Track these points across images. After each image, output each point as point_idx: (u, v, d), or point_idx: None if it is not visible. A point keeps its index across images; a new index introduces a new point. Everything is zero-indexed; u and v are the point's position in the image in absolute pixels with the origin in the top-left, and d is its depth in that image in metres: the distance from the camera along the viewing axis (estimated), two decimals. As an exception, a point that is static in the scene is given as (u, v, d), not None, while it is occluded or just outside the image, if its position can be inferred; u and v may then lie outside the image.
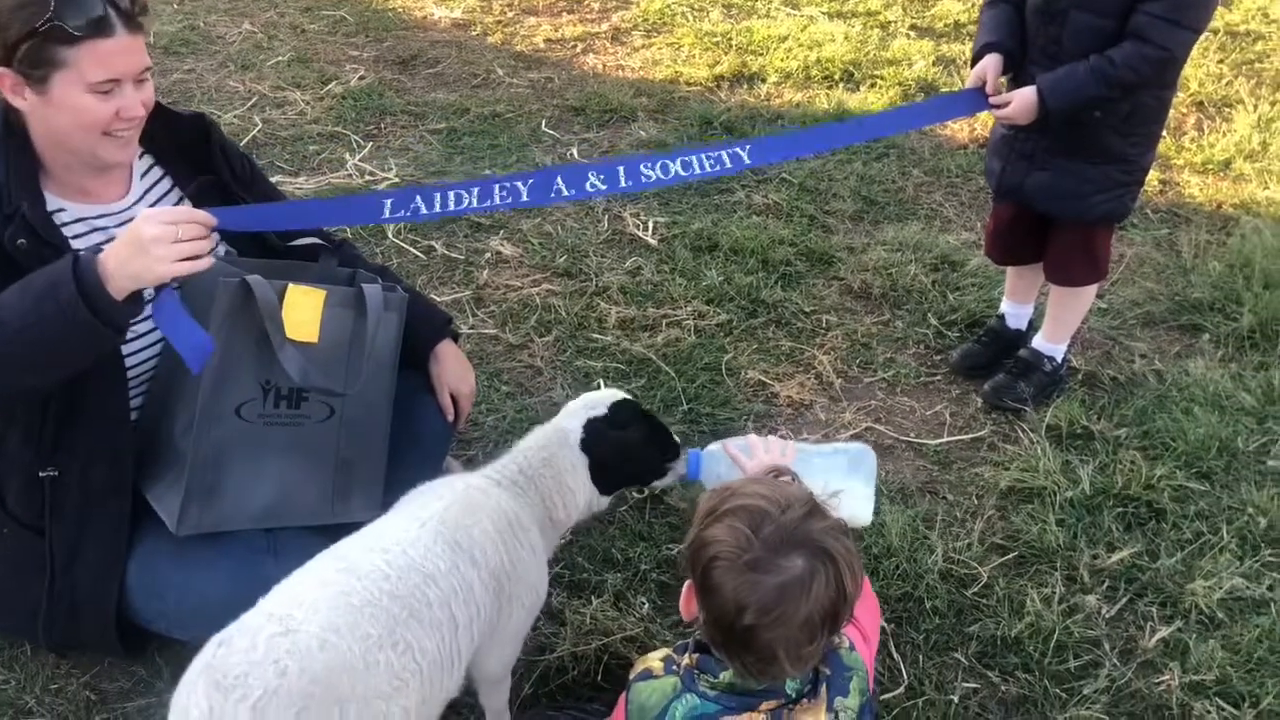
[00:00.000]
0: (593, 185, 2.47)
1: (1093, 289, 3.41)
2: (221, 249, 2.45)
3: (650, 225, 4.24)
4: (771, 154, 2.90)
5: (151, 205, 2.39)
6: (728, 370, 3.51)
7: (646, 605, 2.66)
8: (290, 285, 2.27)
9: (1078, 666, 2.55)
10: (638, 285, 3.91)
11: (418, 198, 2.36)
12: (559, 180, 2.46)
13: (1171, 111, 5.14)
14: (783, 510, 1.63)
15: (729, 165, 2.60)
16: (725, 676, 1.67)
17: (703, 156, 2.55)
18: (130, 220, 2.29)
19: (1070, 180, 3.07)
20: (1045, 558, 2.83)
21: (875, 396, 3.47)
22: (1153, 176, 4.71)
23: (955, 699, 2.46)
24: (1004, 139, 3.19)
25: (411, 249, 4.08)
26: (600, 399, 2.44)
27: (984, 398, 3.42)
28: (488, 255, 4.08)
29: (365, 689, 1.77)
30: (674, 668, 1.74)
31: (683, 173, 2.56)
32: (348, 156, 4.70)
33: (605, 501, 2.43)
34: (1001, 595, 2.71)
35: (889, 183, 4.66)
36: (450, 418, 2.69)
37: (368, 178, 4.55)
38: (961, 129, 5.10)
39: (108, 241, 2.27)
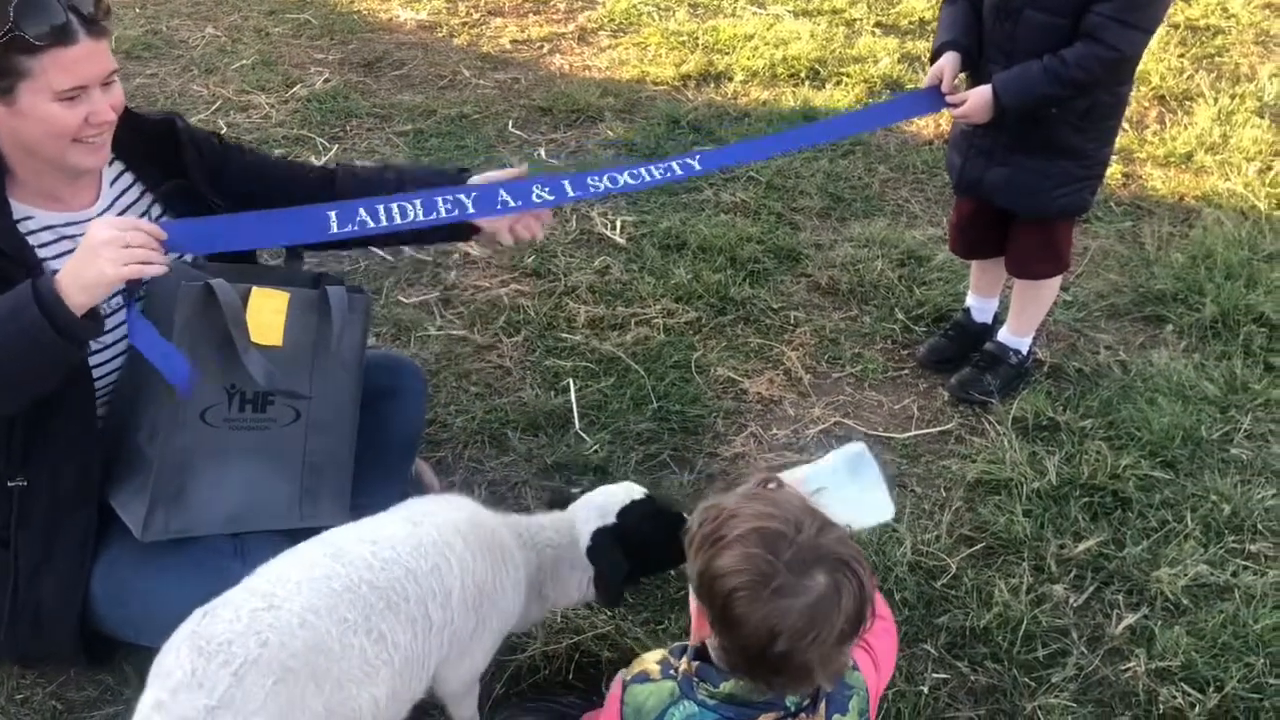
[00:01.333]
0: (538, 196, 2.48)
1: (1056, 281, 3.44)
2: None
3: (618, 224, 4.24)
4: (725, 159, 2.93)
5: (120, 213, 2.37)
6: (697, 368, 3.52)
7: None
8: (254, 288, 2.26)
9: (1046, 655, 2.57)
10: (606, 284, 3.91)
11: (362, 211, 2.36)
12: (503, 192, 2.46)
13: (1133, 105, 5.24)
14: (797, 529, 1.60)
15: (679, 173, 2.63)
16: (726, 687, 1.66)
17: (652, 168, 2.57)
18: None
19: (1028, 176, 3.09)
20: (1013, 548, 2.85)
21: (844, 391, 3.48)
22: (1115, 170, 4.75)
23: (925, 690, 2.47)
24: (963, 135, 3.21)
25: (378, 251, 4.06)
26: (612, 502, 2.38)
27: (950, 391, 3.44)
28: (455, 256, 4.07)
29: (339, 671, 1.82)
30: (671, 671, 1.73)
31: (631, 181, 2.58)
32: (313, 160, 4.67)
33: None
34: (970, 586, 2.73)
35: (855, 179, 4.68)
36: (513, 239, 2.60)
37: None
38: (926, 125, 5.13)
39: (75, 250, 2.27)
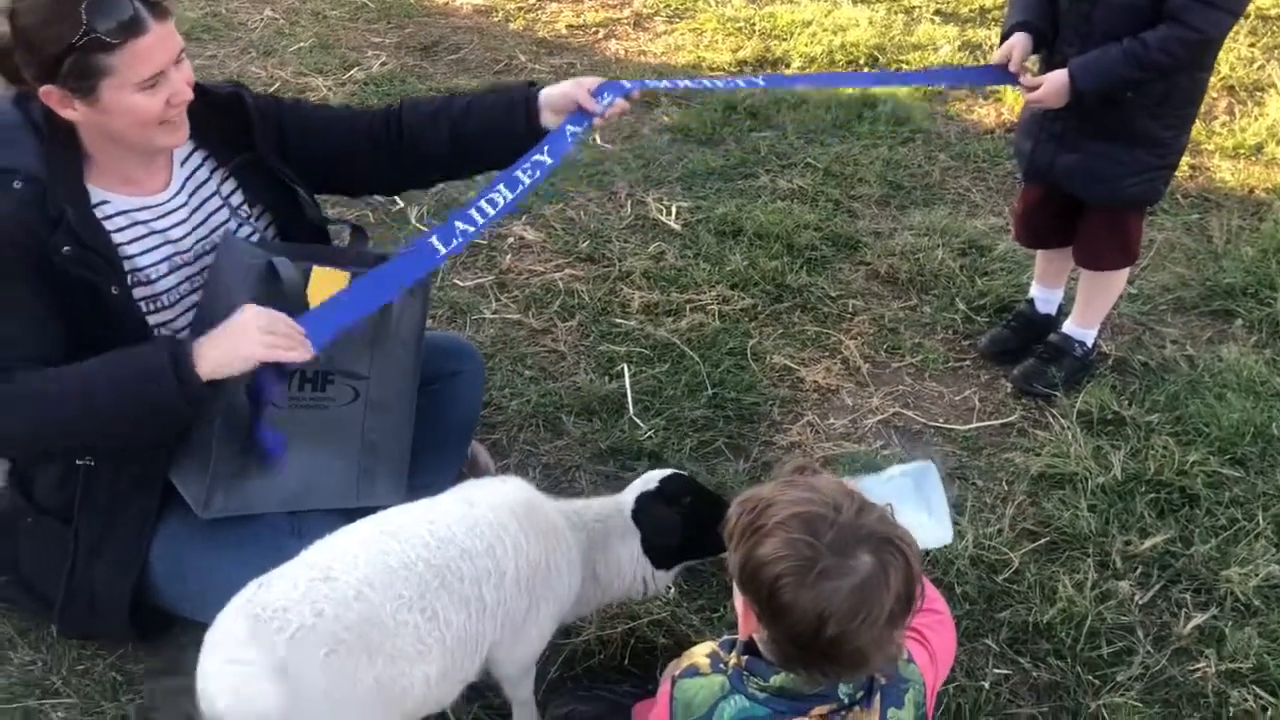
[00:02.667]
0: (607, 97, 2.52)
1: (1124, 273, 3.36)
2: (246, 230, 2.43)
3: (673, 210, 4.20)
4: (790, 83, 2.95)
5: (192, 194, 2.38)
6: (753, 355, 3.48)
7: (672, 590, 2.63)
8: (315, 267, 2.25)
9: (1111, 653, 2.51)
10: (661, 270, 3.88)
11: (458, 224, 2.41)
12: (569, 127, 2.52)
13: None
14: (836, 509, 1.57)
15: (741, 85, 3.04)
16: (776, 680, 1.63)
17: (716, 81, 2.60)
18: (171, 212, 2.33)
19: (1101, 162, 3.01)
20: (1077, 544, 2.79)
21: (903, 382, 3.43)
22: (1182, 162, 4.64)
23: (986, 685, 2.43)
24: (1034, 119, 3.14)
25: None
26: (655, 475, 2.42)
27: (1014, 384, 3.38)
28: (511, 240, 4.06)
29: (392, 646, 1.84)
30: (720, 666, 1.71)
31: (691, 85, 2.90)
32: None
33: (665, 578, 2.39)
34: (1033, 581, 2.68)
35: (915, 167, 4.61)
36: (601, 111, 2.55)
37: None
38: (988, 114, 5.04)
39: (149, 235, 2.29)
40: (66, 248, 2.13)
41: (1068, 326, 3.43)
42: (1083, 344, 3.40)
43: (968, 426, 3.24)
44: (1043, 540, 2.81)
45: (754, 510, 1.63)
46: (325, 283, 2.27)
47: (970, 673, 2.46)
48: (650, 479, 2.39)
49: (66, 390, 2.08)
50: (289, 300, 2.19)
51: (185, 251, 2.35)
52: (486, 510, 2.08)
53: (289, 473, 2.35)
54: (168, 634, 2.45)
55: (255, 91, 2.52)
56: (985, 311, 3.70)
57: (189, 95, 2.20)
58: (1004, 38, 3.02)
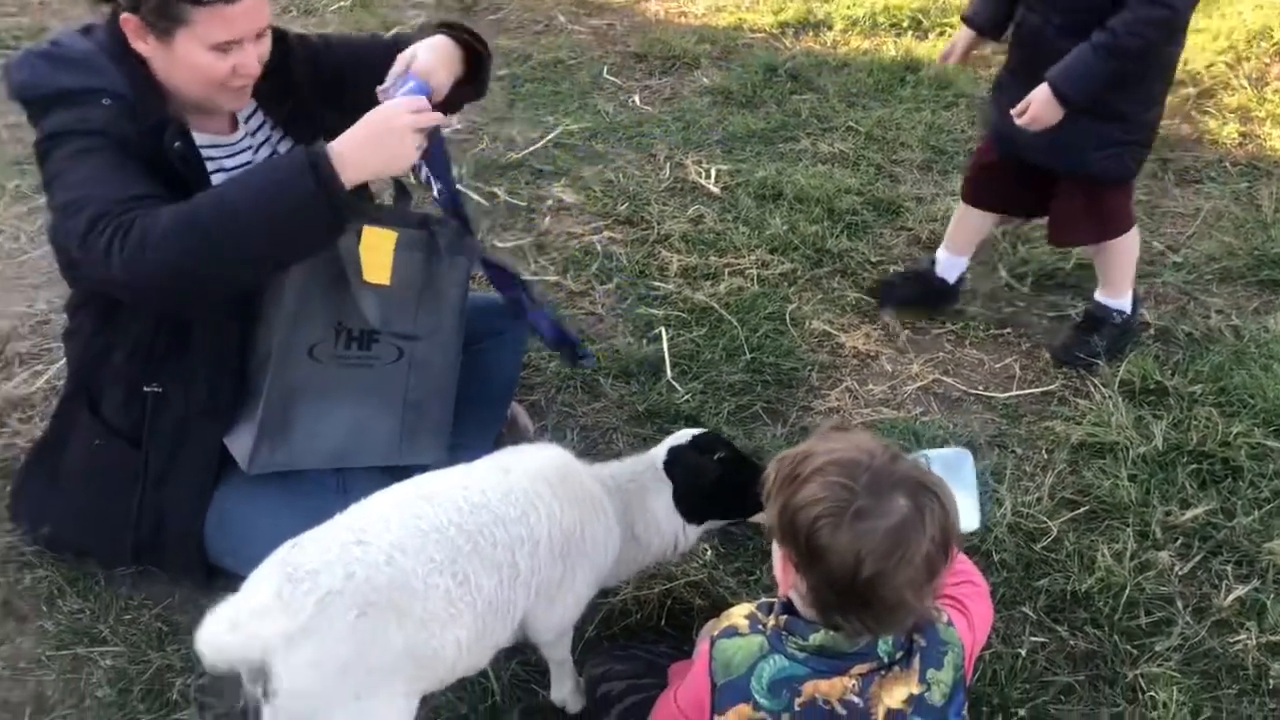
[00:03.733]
0: None
1: (1128, 238, 3.26)
2: None
3: (713, 173, 4.18)
4: None
5: (250, 137, 2.41)
6: (792, 320, 3.47)
7: (709, 551, 2.65)
8: (365, 226, 2.26)
9: (1149, 623, 2.50)
10: (700, 234, 3.87)
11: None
12: None
13: (1253, 62, 5.01)
14: (871, 456, 1.59)
15: None
16: (816, 639, 1.64)
17: None
18: (239, 153, 2.36)
19: (1065, 134, 2.92)
20: (1117, 513, 2.78)
21: (943, 348, 3.41)
22: (1231, 129, 4.57)
23: (1023, 653, 2.43)
24: (1003, 85, 3.12)
25: (474, 195, 4.06)
26: (689, 432, 2.42)
27: (1054, 355, 3.34)
28: (550, 202, 4.06)
29: (422, 610, 1.83)
30: (759, 627, 1.72)
31: None
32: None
33: (694, 534, 2.38)
34: (1071, 550, 2.67)
35: (958, 132, 4.56)
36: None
37: (430, 123, 4.53)
38: (1033, 78, 4.96)
39: (219, 172, 2.31)
40: (177, 143, 2.17)
41: (1099, 296, 3.38)
42: (1120, 311, 3.35)
43: (1008, 394, 3.22)
44: (1082, 509, 2.79)
45: (792, 463, 1.65)
46: (376, 242, 2.28)
47: (1007, 640, 2.46)
48: (683, 435, 2.40)
49: (201, 204, 2.01)
50: (344, 260, 2.20)
51: None
52: (521, 477, 2.08)
53: (334, 430, 2.38)
54: (212, 584, 2.48)
55: (295, 35, 2.52)
56: (1028, 279, 3.66)
57: (256, 71, 2.22)
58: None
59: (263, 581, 1.79)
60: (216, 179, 2.29)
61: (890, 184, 4.16)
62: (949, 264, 3.50)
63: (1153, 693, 2.33)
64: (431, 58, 2.30)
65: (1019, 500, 2.79)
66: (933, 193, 4.13)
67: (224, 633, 1.75)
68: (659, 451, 2.37)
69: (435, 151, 2.25)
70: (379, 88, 2.26)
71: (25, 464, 2.66)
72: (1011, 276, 3.68)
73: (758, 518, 2.37)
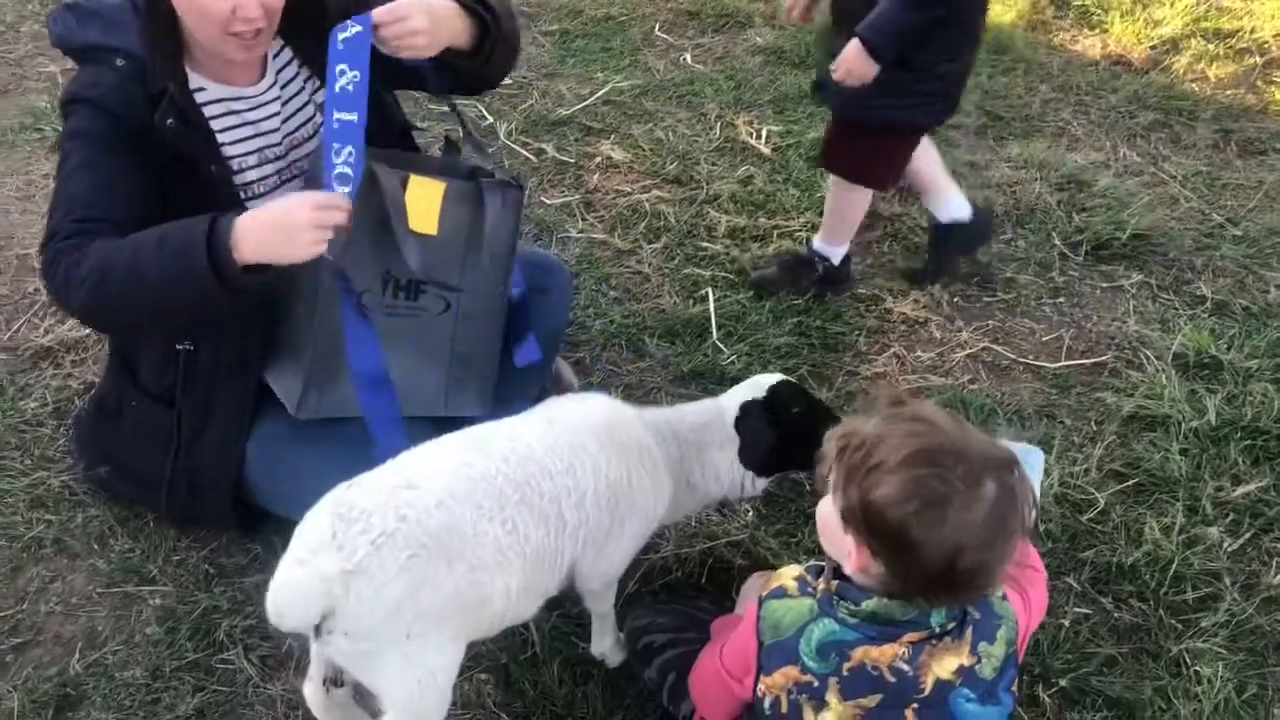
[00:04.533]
0: None
1: (863, 194, 3.26)
2: None
3: (764, 133, 4.14)
4: None
5: (283, 88, 2.40)
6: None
7: (751, 512, 2.65)
8: (412, 176, 2.26)
9: (1196, 599, 2.47)
10: (749, 194, 3.83)
11: None
12: None
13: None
14: (953, 440, 1.56)
15: None
16: (868, 605, 1.63)
17: None
18: (263, 105, 2.34)
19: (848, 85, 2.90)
20: (1166, 487, 2.74)
21: (994, 316, 3.37)
22: (1299, 99, 4.45)
23: (1066, 623, 2.41)
24: (826, 35, 3.10)
25: (523, 150, 4.05)
26: (764, 381, 2.37)
27: (753, 285, 3.40)
28: (598, 160, 4.04)
29: (472, 555, 1.86)
30: (809, 589, 1.71)
31: None
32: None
33: (761, 484, 2.37)
34: (1118, 522, 2.64)
35: (1015, 98, 4.48)
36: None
37: (480, 78, 4.51)
38: (1094, 44, 4.86)
39: (241, 125, 2.32)
40: (170, 120, 2.18)
41: (817, 241, 3.39)
42: (827, 260, 3.36)
43: (1058, 364, 3.18)
44: (1130, 482, 2.76)
45: (861, 448, 1.60)
46: (423, 192, 2.27)
47: (1050, 610, 2.43)
48: (758, 385, 2.35)
49: (122, 251, 2.07)
50: (390, 207, 2.20)
51: (276, 145, 2.39)
52: (565, 430, 2.08)
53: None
54: (259, 530, 2.53)
55: None
56: (1082, 248, 3.60)
57: (255, 16, 2.14)
58: None
59: (318, 521, 1.83)
60: (239, 133, 2.31)
61: (944, 148, 4.07)
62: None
63: (1198, 667, 2.31)
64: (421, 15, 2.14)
65: (1066, 471, 2.76)
66: (987, 159, 4.06)
67: (295, 569, 1.78)
68: (729, 403, 2.33)
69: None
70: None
71: (85, 409, 2.74)
72: (1065, 245, 3.62)
73: None
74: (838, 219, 3.32)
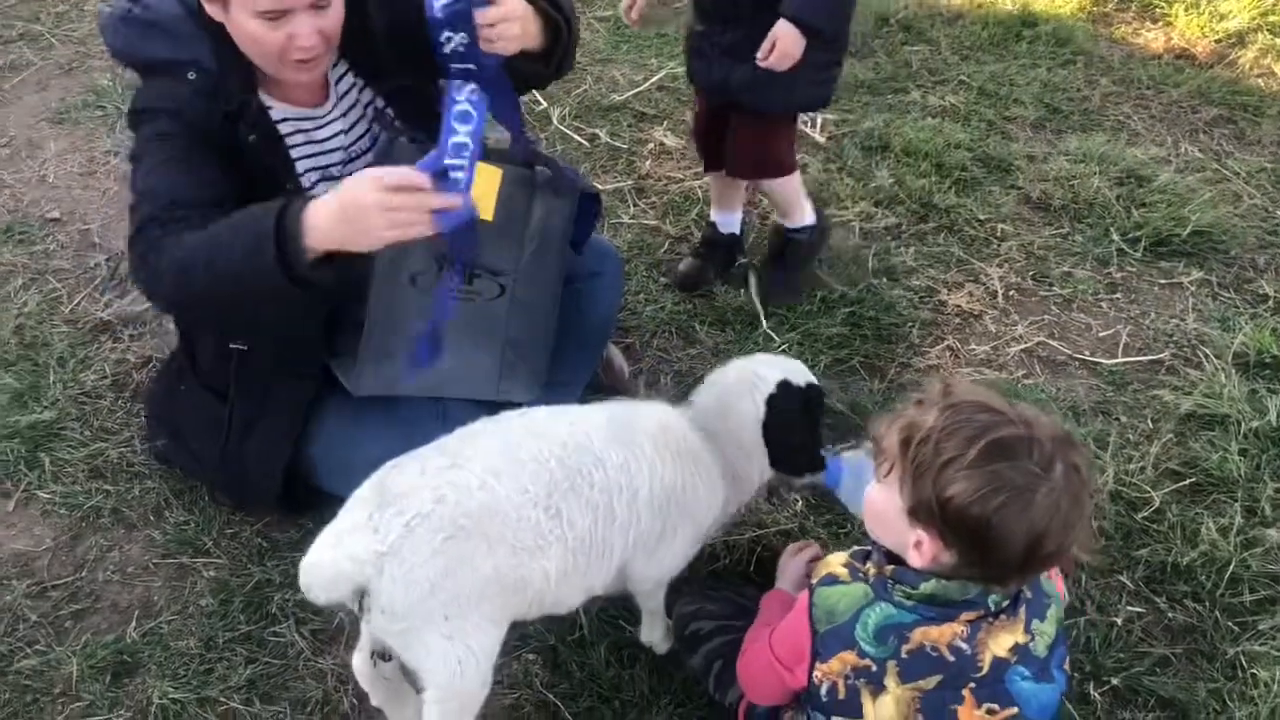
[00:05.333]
0: None
1: (787, 183, 3.21)
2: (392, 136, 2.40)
3: (819, 122, 4.11)
4: None
5: (345, 104, 2.39)
6: (894, 275, 3.41)
7: (800, 502, 2.64)
8: (478, 163, 2.25)
9: (1254, 601, 2.43)
10: (804, 183, 3.79)
11: None
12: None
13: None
14: (1022, 426, 1.56)
15: None
16: (926, 587, 1.62)
17: None
18: (329, 123, 2.33)
19: (774, 71, 2.79)
20: (1224, 487, 2.69)
21: (1049, 311, 3.32)
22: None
23: (1119, 621, 2.38)
24: (699, 35, 2.95)
25: (575, 136, 4.05)
26: (801, 371, 2.29)
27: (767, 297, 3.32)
28: (651, 146, 4.03)
29: (512, 538, 1.86)
30: (860, 575, 1.70)
31: None
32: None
33: (769, 472, 2.30)
34: (1174, 522, 2.60)
35: (1074, 91, 4.41)
36: None
37: (535, 63, 4.52)
38: (1157, 37, 4.78)
39: (307, 144, 2.32)
40: (252, 136, 2.18)
41: (786, 223, 3.32)
42: (808, 227, 3.31)
43: (1114, 361, 3.13)
44: (1187, 481, 2.71)
45: (928, 442, 1.58)
46: (480, 177, 2.28)
47: (1102, 608, 2.42)
48: (793, 370, 2.27)
49: (199, 247, 2.01)
50: None
51: (336, 164, 2.39)
52: (623, 428, 2.07)
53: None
54: (311, 509, 2.55)
55: None
56: (1141, 244, 3.55)
57: (312, 44, 2.11)
58: None
59: (360, 503, 1.84)
60: (304, 151, 2.31)
61: (1002, 141, 4.05)
62: (725, 222, 3.40)
63: (1254, 670, 2.27)
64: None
65: (1121, 468, 2.72)
66: (1045, 151, 4.01)
67: (326, 550, 1.80)
68: (770, 372, 2.24)
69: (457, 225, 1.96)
70: None
71: (153, 383, 2.80)
72: (1124, 241, 3.56)
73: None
74: (796, 195, 3.26)
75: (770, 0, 2.72)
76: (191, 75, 2.17)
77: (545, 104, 4.22)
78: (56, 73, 4.34)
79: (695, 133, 3.32)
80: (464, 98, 2.02)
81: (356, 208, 1.87)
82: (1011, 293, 3.38)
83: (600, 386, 2.87)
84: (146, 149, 2.19)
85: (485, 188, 2.28)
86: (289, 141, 2.31)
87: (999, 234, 3.59)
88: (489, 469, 1.88)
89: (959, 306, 3.30)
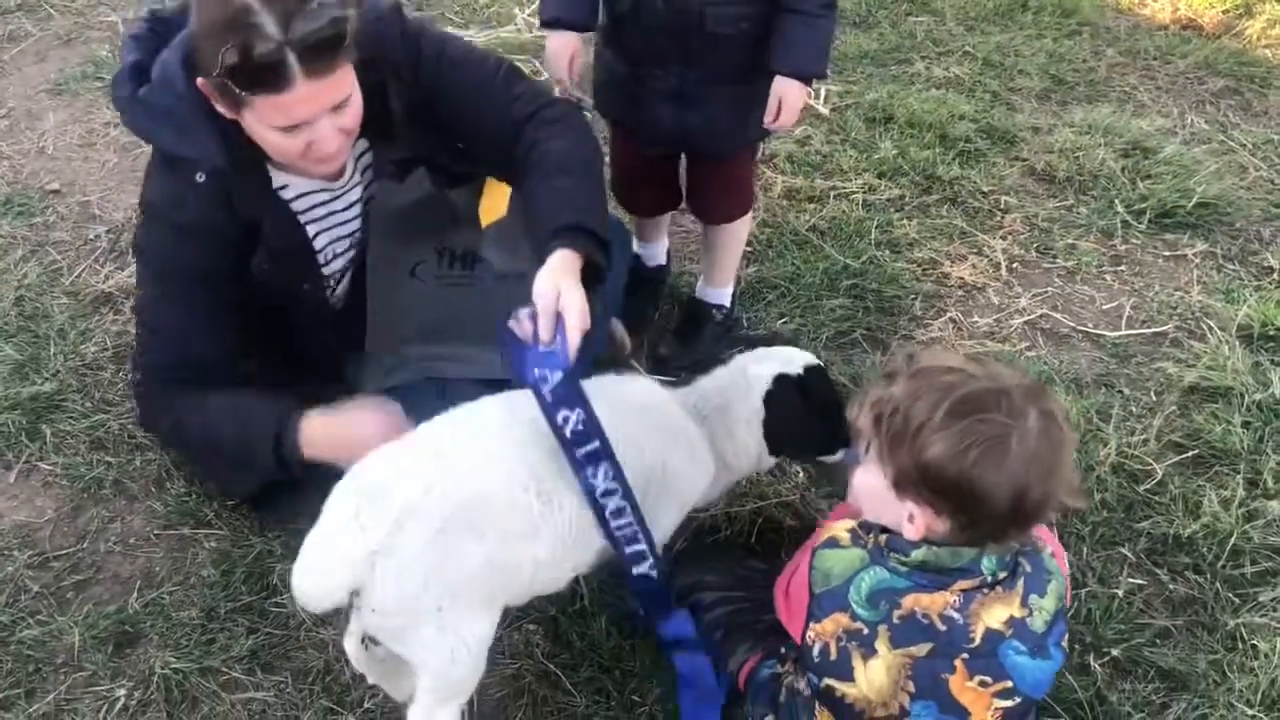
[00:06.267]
0: None
1: (747, 222, 2.98)
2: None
3: (822, 93, 4.08)
4: None
5: (365, 187, 2.36)
6: (897, 247, 3.39)
7: (802, 474, 2.63)
8: (489, 179, 2.31)
9: (1255, 573, 2.43)
10: (806, 155, 3.78)
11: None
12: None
13: None
14: (987, 381, 1.56)
15: None
16: (917, 555, 1.63)
17: None
18: (347, 194, 2.31)
19: (732, 109, 2.56)
20: (1227, 459, 2.69)
21: (1053, 283, 3.31)
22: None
23: (1119, 593, 2.38)
24: (629, 78, 2.57)
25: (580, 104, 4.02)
26: (796, 357, 2.30)
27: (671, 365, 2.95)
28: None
29: (504, 524, 1.83)
30: (861, 541, 1.71)
31: None
32: (517, 11, 4.63)
33: (770, 462, 2.34)
34: (1176, 494, 2.60)
35: (1080, 62, 4.38)
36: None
37: (537, 33, 4.48)
38: (1163, 8, 4.74)
39: (327, 216, 2.29)
40: (266, 265, 2.17)
41: (700, 291, 3.07)
42: (721, 307, 3.04)
43: (1118, 333, 3.12)
44: (1189, 453, 2.71)
45: (898, 413, 1.60)
46: (496, 190, 2.29)
47: (1104, 580, 2.41)
48: (790, 359, 2.31)
49: (195, 427, 2.32)
50: (463, 223, 2.27)
51: (352, 234, 2.37)
52: (606, 405, 2.01)
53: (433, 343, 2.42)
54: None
55: (402, 42, 2.22)
56: (1145, 216, 3.52)
57: (334, 146, 2.04)
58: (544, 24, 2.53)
59: (340, 502, 1.80)
60: (323, 225, 2.30)
61: (1006, 112, 4.02)
62: (649, 254, 3.18)
63: (1255, 642, 2.27)
64: (577, 298, 1.93)
65: (1124, 441, 2.72)
66: (1050, 123, 3.98)
67: (316, 554, 1.77)
68: (762, 370, 2.27)
69: None
70: (511, 321, 1.94)
71: None
72: (1128, 213, 3.54)
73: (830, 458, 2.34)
74: (734, 256, 3.01)
75: (720, 39, 2.43)
76: (200, 178, 2.07)
77: (547, 75, 4.18)
78: (55, 43, 4.32)
79: (624, 182, 2.95)
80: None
81: (357, 440, 1.97)
82: (1015, 265, 3.36)
83: (599, 360, 2.86)
84: (154, 269, 2.26)
85: (500, 197, 2.30)
86: (307, 217, 2.27)
87: (1003, 206, 3.57)
88: (478, 455, 1.86)
89: (962, 279, 3.29)
